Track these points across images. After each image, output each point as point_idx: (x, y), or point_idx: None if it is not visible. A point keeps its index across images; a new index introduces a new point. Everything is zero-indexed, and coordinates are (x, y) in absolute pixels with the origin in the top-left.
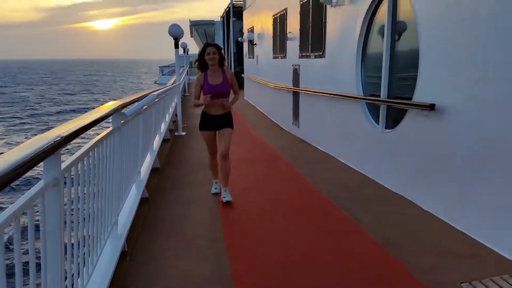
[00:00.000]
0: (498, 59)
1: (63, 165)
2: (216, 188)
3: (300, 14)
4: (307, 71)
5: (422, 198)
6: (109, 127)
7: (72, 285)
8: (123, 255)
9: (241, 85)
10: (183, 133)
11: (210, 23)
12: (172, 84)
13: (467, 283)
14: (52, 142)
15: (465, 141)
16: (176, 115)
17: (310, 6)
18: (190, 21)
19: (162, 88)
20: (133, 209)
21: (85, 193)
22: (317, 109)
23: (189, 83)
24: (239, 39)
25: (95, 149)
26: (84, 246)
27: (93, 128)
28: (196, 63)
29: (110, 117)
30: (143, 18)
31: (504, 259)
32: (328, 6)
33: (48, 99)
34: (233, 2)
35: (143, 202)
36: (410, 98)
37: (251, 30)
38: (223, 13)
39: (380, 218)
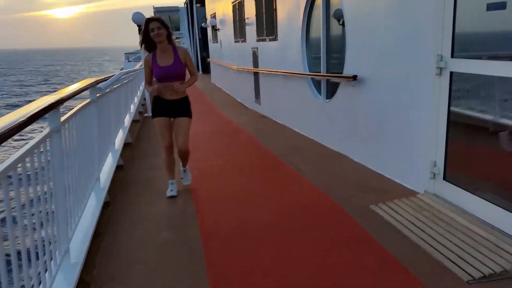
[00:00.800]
0: (392, 41)
1: (62, 118)
2: (172, 190)
3: (255, 1)
4: (264, 53)
5: (353, 152)
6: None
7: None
8: (106, 205)
9: (207, 69)
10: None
11: (175, 9)
12: (139, 68)
13: (374, 205)
14: (54, 101)
15: (376, 105)
16: (144, 99)
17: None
18: (154, 8)
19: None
20: (112, 170)
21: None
22: (274, 87)
23: None
24: (202, 24)
25: (80, 113)
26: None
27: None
28: (142, 44)
29: (88, 91)
30: (104, 5)
31: (406, 189)
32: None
33: (4, 92)
34: None
35: (118, 169)
36: (341, 73)
37: (214, 16)
38: None
39: (318, 169)
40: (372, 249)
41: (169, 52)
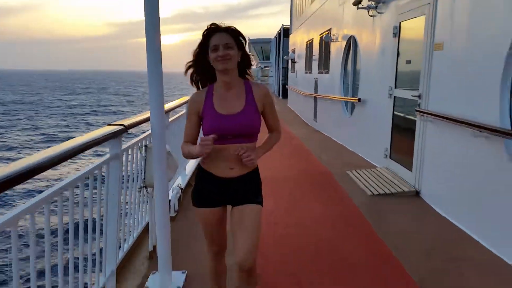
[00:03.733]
0: (377, 79)
1: (123, 146)
2: None
3: (319, 44)
4: (321, 82)
5: (351, 146)
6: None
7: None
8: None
9: (286, 95)
10: None
11: (267, 41)
12: None
13: (349, 171)
14: (115, 130)
15: (367, 116)
16: None
17: (326, 39)
18: (249, 39)
19: None
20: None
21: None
22: (324, 108)
23: None
24: (285, 57)
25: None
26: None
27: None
28: (190, 69)
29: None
30: None
31: (372, 165)
32: (331, 42)
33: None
34: (283, 26)
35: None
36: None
37: (293, 51)
38: (277, 33)
39: (330, 156)
40: (338, 191)
41: (238, 91)
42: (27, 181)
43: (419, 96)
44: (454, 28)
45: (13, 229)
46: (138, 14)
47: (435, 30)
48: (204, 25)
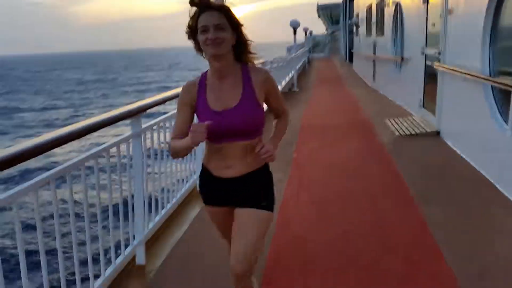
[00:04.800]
0: (416, 38)
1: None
2: None
3: (376, 9)
4: (378, 45)
5: (405, 102)
6: None
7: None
8: None
9: (352, 59)
10: (297, 89)
11: (335, 5)
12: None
13: (386, 119)
14: (136, 108)
15: (411, 74)
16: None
17: (380, 5)
18: (318, 5)
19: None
20: None
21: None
22: (381, 69)
23: (310, 60)
24: (349, 21)
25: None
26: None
27: None
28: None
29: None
30: (272, 4)
31: (408, 113)
32: (388, 7)
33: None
34: None
35: None
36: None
37: (357, 16)
38: None
39: (376, 108)
40: (371, 134)
41: (234, 79)
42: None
43: (439, 53)
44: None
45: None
46: None
47: None
48: None
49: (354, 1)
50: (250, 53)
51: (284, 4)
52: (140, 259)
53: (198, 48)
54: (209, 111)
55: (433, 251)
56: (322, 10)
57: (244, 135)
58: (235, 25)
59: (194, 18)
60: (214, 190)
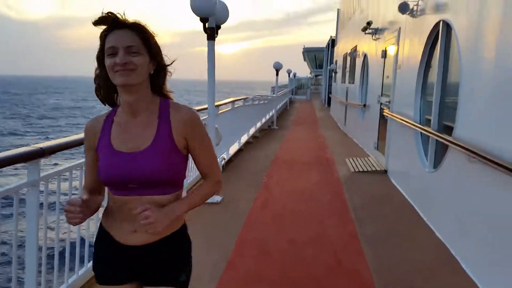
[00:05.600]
0: (375, 88)
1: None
2: None
3: (350, 58)
4: (350, 91)
5: (364, 145)
6: None
7: None
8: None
9: (330, 103)
10: (277, 127)
11: (320, 49)
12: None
13: (347, 158)
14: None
15: (370, 120)
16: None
17: (352, 55)
18: (303, 48)
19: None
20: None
21: None
22: (351, 114)
23: (291, 101)
24: (329, 66)
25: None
26: None
27: None
28: (96, 86)
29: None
30: (262, 43)
31: (365, 153)
32: (358, 58)
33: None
34: (332, 37)
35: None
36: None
37: (335, 62)
38: (327, 43)
39: (341, 150)
40: (332, 169)
41: (148, 117)
42: None
43: (389, 102)
44: (404, 55)
45: None
46: (198, 24)
47: (398, 55)
48: (264, 34)
49: (335, 47)
50: (163, 85)
51: (275, 43)
52: None
53: (104, 77)
54: (111, 150)
55: (358, 255)
56: (307, 53)
57: (154, 188)
58: (153, 49)
59: (102, 39)
60: (115, 262)
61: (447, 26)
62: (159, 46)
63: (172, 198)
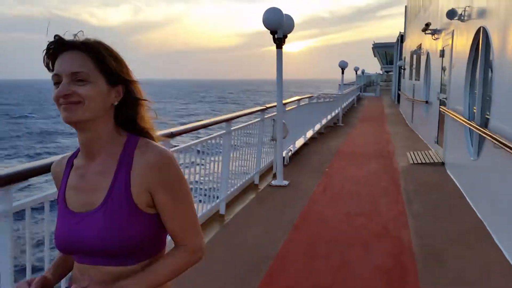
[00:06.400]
0: (436, 85)
1: (233, 128)
2: None
3: (414, 56)
4: (416, 88)
5: (427, 139)
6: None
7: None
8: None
9: (399, 100)
10: (342, 124)
11: (390, 45)
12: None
13: (408, 152)
14: (228, 117)
15: (431, 115)
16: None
17: (417, 53)
18: (373, 44)
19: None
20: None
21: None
22: (417, 110)
23: (359, 99)
24: (398, 63)
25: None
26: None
27: None
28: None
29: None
30: (327, 40)
31: (427, 147)
32: (423, 55)
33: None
34: (401, 33)
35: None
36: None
37: (404, 59)
38: (397, 38)
39: (403, 141)
40: (392, 160)
41: (107, 161)
42: None
43: (445, 98)
44: (456, 56)
45: None
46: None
47: (452, 55)
48: (330, 31)
49: (403, 44)
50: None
51: (344, 39)
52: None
53: None
54: (62, 208)
55: (403, 226)
56: (377, 49)
57: (110, 258)
58: (113, 73)
59: (49, 64)
60: None
61: (486, 31)
62: (127, 69)
63: (138, 268)
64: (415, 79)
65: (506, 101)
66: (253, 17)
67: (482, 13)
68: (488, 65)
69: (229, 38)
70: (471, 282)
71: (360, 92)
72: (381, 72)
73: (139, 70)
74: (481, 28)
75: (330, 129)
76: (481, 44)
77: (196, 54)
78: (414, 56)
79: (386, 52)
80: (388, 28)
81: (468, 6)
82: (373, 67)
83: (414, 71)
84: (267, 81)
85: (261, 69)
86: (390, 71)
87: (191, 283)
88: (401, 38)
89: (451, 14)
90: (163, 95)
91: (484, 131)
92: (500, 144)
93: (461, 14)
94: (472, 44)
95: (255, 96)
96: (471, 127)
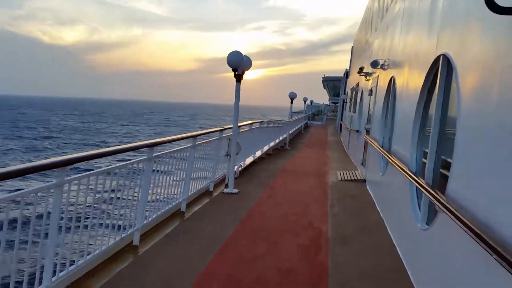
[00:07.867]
0: (363, 117)
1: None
2: None
3: (352, 93)
4: (352, 119)
5: (356, 162)
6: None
7: None
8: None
9: (341, 129)
10: (289, 148)
11: (338, 79)
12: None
13: (338, 170)
14: (193, 135)
15: (360, 142)
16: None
17: (355, 90)
18: (323, 77)
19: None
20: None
21: None
22: (352, 138)
23: (306, 126)
24: (341, 96)
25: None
26: None
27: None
28: None
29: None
30: (281, 70)
31: (355, 167)
32: (359, 92)
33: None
34: (347, 69)
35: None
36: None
37: (346, 93)
38: (344, 73)
39: (339, 165)
40: (325, 177)
41: None
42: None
43: (369, 128)
44: (378, 96)
45: None
46: (221, 52)
47: (376, 94)
48: (285, 62)
49: (348, 79)
50: None
51: (296, 71)
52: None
53: None
54: None
55: (324, 221)
56: (326, 82)
57: None
58: None
59: None
60: None
61: (394, 80)
62: None
63: None
64: (353, 112)
65: (399, 131)
66: (212, 45)
67: (396, 65)
68: (394, 104)
69: (186, 62)
70: (365, 256)
71: (308, 120)
72: (328, 103)
73: (91, 89)
74: (392, 76)
75: (278, 151)
76: (391, 87)
77: (151, 76)
78: (354, 92)
79: (334, 85)
80: (338, 62)
81: (387, 59)
82: (322, 98)
83: (352, 104)
84: (215, 105)
85: (212, 94)
86: (337, 103)
87: (165, 254)
88: (347, 74)
89: (375, 64)
90: (104, 116)
91: (385, 152)
92: (393, 163)
93: (382, 64)
94: (387, 87)
95: (211, 122)
96: (379, 150)
